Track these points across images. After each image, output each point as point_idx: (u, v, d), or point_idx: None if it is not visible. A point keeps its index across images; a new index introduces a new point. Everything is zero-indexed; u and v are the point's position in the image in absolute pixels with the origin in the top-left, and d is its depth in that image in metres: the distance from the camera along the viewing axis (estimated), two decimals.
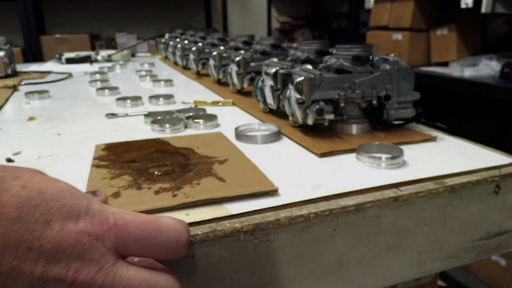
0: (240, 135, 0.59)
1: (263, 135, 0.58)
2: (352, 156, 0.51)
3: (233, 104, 0.83)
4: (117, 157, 0.50)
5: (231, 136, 0.61)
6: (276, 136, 0.59)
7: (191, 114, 0.71)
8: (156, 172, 0.44)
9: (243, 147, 0.56)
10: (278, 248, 0.37)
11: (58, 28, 3.47)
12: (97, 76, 1.27)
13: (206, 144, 0.55)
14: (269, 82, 0.68)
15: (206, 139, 0.57)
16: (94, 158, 0.50)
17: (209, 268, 0.34)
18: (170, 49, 1.52)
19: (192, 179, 0.42)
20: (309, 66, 0.65)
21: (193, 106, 0.83)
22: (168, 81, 1.11)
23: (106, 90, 0.98)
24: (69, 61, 1.69)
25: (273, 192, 0.40)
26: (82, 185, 0.43)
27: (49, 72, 1.42)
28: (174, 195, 0.38)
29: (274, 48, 0.90)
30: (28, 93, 0.95)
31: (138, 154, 0.51)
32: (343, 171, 0.47)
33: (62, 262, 0.25)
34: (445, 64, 1.96)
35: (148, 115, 0.71)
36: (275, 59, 0.76)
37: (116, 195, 0.39)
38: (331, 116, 0.57)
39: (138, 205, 0.37)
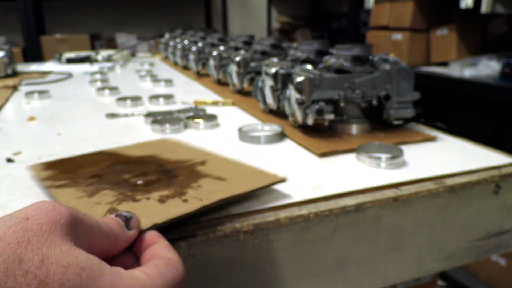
0: (243, 135, 0.59)
1: (267, 135, 0.58)
2: (352, 156, 0.51)
3: (233, 104, 0.83)
4: (72, 174, 0.42)
5: (233, 136, 0.61)
6: (279, 136, 0.59)
7: (191, 114, 0.71)
8: (139, 182, 0.38)
9: (246, 147, 0.56)
10: (278, 248, 0.37)
11: (58, 28, 3.47)
12: (97, 76, 1.27)
13: (165, 150, 0.48)
14: (269, 82, 0.68)
15: (160, 146, 0.51)
16: (43, 179, 0.41)
17: (209, 268, 0.34)
18: (170, 49, 1.52)
19: (189, 183, 0.37)
20: (309, 66, 0.65)
21: (193, 106, 0.83)
22: (168, 81, 1.11)
23: (106, 90, 0.98)
24: (69, 61, 1.69)
25: (283, 181, 0.39)
26: None
27: (49, 72, 1.42)
28: (185, 201, 0.34)
29: (274, 48, 0.90)
30: (28, 93, 0.95)
31: (98, 168, 0.43)
32: (343, 171, 0.47)
33: None
34: (445, 64, 1.96)
35: (148, 115, 0.71)
36: (275, 59, 0.76)
37: (113, 211, 0.33)
38: (331, 116, 0.57)
39: (151, 216, 0.31)
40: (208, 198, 0.34)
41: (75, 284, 0.21)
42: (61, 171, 0.44)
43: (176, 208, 0.32)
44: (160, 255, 0.28)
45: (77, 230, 0.23)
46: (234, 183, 0.37)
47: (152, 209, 0.33)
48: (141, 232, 0.30)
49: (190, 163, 0.43)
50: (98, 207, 0.34)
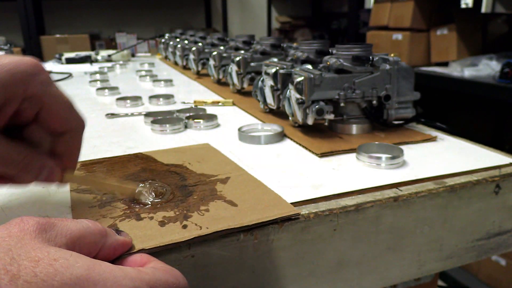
0: (243, 135, 0.59)
1: (267, 135, 0.58)
2: (352, 156, 0.51)
3: (233, 104, 0.83)
4: (100, 178, 0.44)
5: (233, 136, 0.61)
6: (280, 136, 0.59)
7: (191, 114, 0.71)
8: (151, 198, 0.39)
9: (246, 147, 0.56)
10: (278, 248, 0.37)
11: (58, 28, 3.47)
12: (97, 76, 1.27)
13: (198, 159, 0.50)
14: (269, 82, 0.68)
15: (196, 153, 0.52)
16: (71, 182, 0.42)
17: (209, 268, 0.34)
18: (170, 49, 1.52)
19: (198, 204, 0.38)
20: (309, 66, 0.65)
21: (193, 106, 0.83)
22: (168, 81, 1.11)
23: (106, 90, 0.98)
24: (69, 61, 1.69)
25: (295, 216, 0.37)
26: None
27: (49, 72, 1.42)
28: (184, 226, 0.34)
29: (274, 48, 0.90)
30: None
31: (123, 175, 0.45)
32: (343, 171, 0.47)
33: None
34: (445, 64, 1.96)
35: (148, 115, 0.71)
36: (275, 59, 0.76)
37: (114, 228, 0.33)
38: (331, 116, 0.57)
39: (144, 241, 0.31)
40: (207, 227, 0.34)
41: (48, 273, 0.21)
42: (91, 173, 0.45)
43: (171, 235, 0.33)
44: (160, 266, 0.27)
45: (50, 233, 0.24)
46: (243, 210, 0.37)
47: (149, 232, 0.33)
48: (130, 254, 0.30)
49: (213, 179, 0.43)
50: (103, 220, 0.35)
